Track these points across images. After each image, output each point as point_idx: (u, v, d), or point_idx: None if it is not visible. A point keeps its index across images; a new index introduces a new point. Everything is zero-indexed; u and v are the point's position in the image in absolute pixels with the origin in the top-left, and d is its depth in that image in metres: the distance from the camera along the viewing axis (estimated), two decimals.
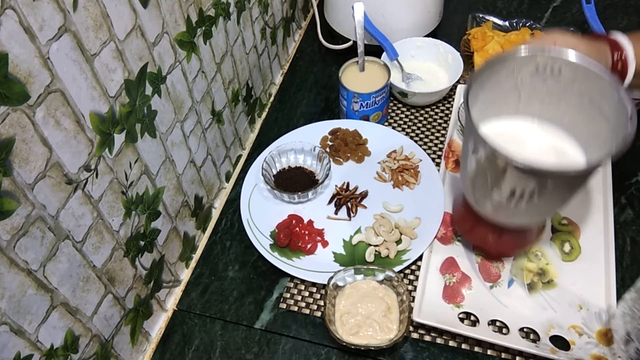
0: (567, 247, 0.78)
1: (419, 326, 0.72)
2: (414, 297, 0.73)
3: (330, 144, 0.93)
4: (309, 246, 0.80)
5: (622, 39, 0.67)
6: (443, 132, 0.96)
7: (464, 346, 0.71)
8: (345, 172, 0.90)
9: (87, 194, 0.57)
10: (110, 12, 0.56)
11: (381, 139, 0.93)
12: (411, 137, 0.94)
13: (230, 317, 0.76)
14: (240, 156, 0.99)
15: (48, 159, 0.51)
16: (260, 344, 0.74)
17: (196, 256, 0.84)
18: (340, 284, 0.74)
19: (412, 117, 0.99)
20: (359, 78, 0.94)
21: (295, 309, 0.76)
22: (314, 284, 0.78)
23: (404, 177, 0.87)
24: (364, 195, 0.86)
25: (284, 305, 0.76)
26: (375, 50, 1.00)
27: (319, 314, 0.75)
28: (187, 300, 0.78)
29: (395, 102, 1.01)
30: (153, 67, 0.66)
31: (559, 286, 0.74)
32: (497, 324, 0.72)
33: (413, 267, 0.79)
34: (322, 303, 0.76)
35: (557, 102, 0.66)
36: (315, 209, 0.85)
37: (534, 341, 0.70)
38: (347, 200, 0.86)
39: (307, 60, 1.12)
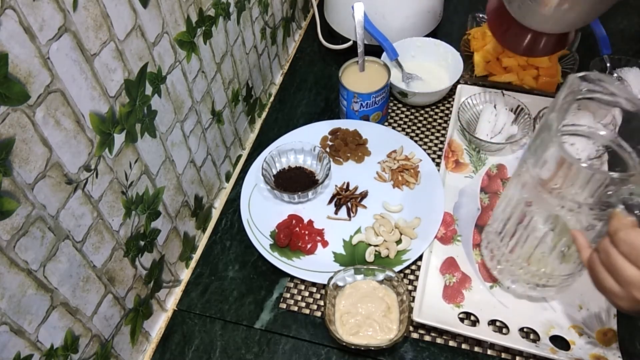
0: None
1: (419, 326, 0.72)
2: (414, 297, 0.73)
3: (330, 144, 0.93)
4: (309, 246, 0.80)
5: None
6: (443, 132, 0.96)
7: (464, 346, 0.71)
8: (345, 172, 0.90)
9: (87, 194, 0.57)
10: (110, 12, 0.56)
11: (381, 139, 0.93)
12: (411, 137, 0.94)
13: (230, 317, 0.76)
14: (240, 156, 0.99)
15: (48, 159, 0.51)
16: (260, 344, 0.74)
17: (196, 256, 0.84)
18: (340, 284, 0.74)
19: (412, 117, 0.99)
20: (359, 78, 0.94)
21: (295, 309, 0.76)
22: (314, 284, 0.78)
23: (404, 177, 0.87)
24: (364, 195, 0.86)
25: (284, 305, 0.76)
26: (375, 50, 1.00)
27: (319, 314, 0.75)
28: (187, 300, 0.78)
29: (395, 102, 1.01)
30: (153, 67, 0.66)
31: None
32: (497, 323, 0.72)
33: (413, 267, 0.79)
34: (322, 303, 0.76)
35: None
36: (315, 209, 0.85)
37: (534, 341, 0.70)
38: (347, 200, 0.86)
39: (307, 60, 1.12)
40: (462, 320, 0.72)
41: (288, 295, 0.77)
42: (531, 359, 0.69)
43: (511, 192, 0.67)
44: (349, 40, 1.08)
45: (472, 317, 0.72)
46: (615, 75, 0.96)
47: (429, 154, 0.90)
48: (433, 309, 0.72)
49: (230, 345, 0.74)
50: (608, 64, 0.97)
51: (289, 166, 0.90)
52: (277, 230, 0.82)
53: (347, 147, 0.91)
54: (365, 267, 0.74)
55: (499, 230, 0.70)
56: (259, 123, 1.04)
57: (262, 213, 0.85)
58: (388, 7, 1.01)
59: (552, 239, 0.63)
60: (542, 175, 0.59)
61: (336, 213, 0.85)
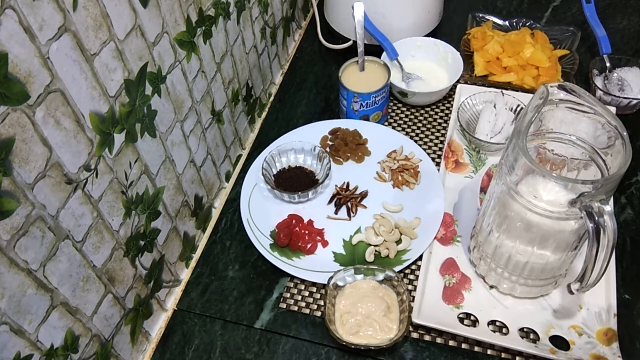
0: None
1: (418, 326, 0.72)
2: (413, 297, 0.73)
3: (330, 143, 0.93)
4: (309, 246, 0.80)
5: None
6: (443, 132, 0.96)
7: (464, 346, 0.71)
8: (345, 172, 0.90)
9: (87, 194, 0.57)
10: (110, 12, 0.56)
11: (381, 138, 0.93)
12: (411, 137, 0.94)
13: (230, 317, 0.76)
14: (240, 156, 0.99)
15: (48, 158, 0.51)
16: (260, 343, 0.74)
17: (196, 256, 0.84)
18: (340, 283, 0.74)
19: (412, 117, 0.99)
20: (359, 78, 0.94)
21: (295, 308, 0.76)
22: (314, 284, 0.78)
23: (404, 177, 0.87)
24: (364, 195, 0.86)
25: (284, 305, 0.76)
26: (375, 50, 1.00)
27: (319, 313, 0.75)
28: (187, 300, 0.78)
29: (395, 102, 1.01)
30: (153, 66, 0.66)
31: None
32: (497, 324, 0.72)
33: (413, 267, 0.79)
34: (322, 303, 0.76)
35: None
36: (315, 208, 0.85)
37: (533, 341, 0.70)
38: (347, 200, 0.86)
39: (307, 60, 1.12)
40: (461, 320, 0.72)
41: (288, 295, 0.77)
42: (531, 359, 0.69)
43: (490, 194, 0.69)
44: (349, 40, 1.08)
45: (472, 317, 0.72)
46: (615, 75, 0.96)
47: (428, 154, 0.90)
48: (433, 310, 0.72)
49: (230, 345, 0.74)
50: (608, 64, 0.97)
51: (289, 166, 0.90)
52: (277, 230, 0.82)
53: (347, 147, 0.91)
54: (365, 267, 0.74)
55: (480, 230, 0.72)
56: (259, 123, 1.04)
57: (262, 213, 0.85)
58: (388, 6, 1.01)
59: (527, 242, 0.65)
60: (513, 180, 0.61)
61: (336, 213, 0.85)
